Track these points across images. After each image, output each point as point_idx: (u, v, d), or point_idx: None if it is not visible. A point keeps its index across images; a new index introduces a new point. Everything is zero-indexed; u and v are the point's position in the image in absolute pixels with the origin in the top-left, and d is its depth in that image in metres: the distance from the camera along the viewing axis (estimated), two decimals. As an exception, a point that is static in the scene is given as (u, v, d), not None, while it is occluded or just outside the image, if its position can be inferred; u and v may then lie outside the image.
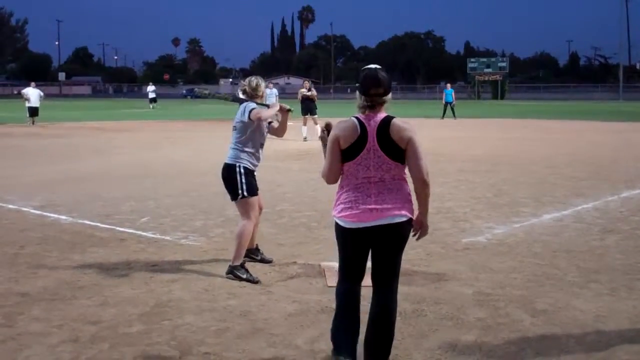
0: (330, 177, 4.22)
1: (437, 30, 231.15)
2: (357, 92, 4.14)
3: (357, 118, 4.10)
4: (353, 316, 4.26)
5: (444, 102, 37.26)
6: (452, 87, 38.31)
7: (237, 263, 6.31)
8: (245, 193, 6.35)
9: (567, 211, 9.58)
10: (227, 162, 6.45)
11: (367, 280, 4.35)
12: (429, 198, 4.17)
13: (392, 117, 4.10)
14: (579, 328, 5.01)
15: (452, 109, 36.19)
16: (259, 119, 6.29)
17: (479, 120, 35.89)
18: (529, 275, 6.40)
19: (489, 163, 15.45)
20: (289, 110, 6.58)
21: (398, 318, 4.63)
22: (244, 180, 6.35)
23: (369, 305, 4.25)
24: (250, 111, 6.27)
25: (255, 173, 6.55)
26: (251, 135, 6.40)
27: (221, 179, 6.52)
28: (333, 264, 6.17)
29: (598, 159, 16.26)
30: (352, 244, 4.20)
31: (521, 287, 6.00)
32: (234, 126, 6.50)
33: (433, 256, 7.09)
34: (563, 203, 10.21)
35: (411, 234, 4.24)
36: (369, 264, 4.30)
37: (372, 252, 4.21)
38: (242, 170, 6.36)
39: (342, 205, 4.15)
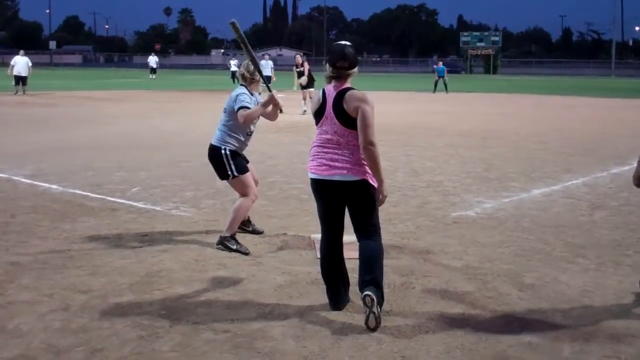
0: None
1: (430, 3, 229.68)
2: (326, 64, 4.67)
3: (323, 89, 4.70)
4: (333, 270, 4.79)
5: (436, 76, 37.15)
6: (443, 65, 38.12)
7: (228, 234, 6.33)
8: (235, 173, 6.35)
9: (556, 186, 9.63)
10: (213, 143, 6.45)
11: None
12: (378, 166, 4.52)
13: (351, 89, 4.59)
14: (565, 302, 5.06)
15: (445, 83, 36.11)
16: (244, 122, 6.26)
17: (471, 94, 35.86)
18: (517, 249, 6.45)
19: (479, 137, 15.48)
20: (280, 111, 6.46)
21: (387, 290, 4.68)
22: (231, 162, 6.34)
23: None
24: (239, 108, 6.21)
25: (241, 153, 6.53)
26: (239, 122, 6.34)
27: (208, 156, 6.52)
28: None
29: (588, 135, 16.32)
30: (319, 194, 4.77)
31: (509, 262, 6.05)
32: (225, 108, 6.45)
33: (422, 229, 7.13)
34: (552, 178, 10.27)
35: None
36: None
37: (347, 209, 4.74)
38: (228, 153, 6.34)
39: (309, 158, 4.77)
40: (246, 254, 6.15)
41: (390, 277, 5.29)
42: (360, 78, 13.59)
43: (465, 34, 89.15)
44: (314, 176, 4.70)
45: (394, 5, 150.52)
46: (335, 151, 4.60)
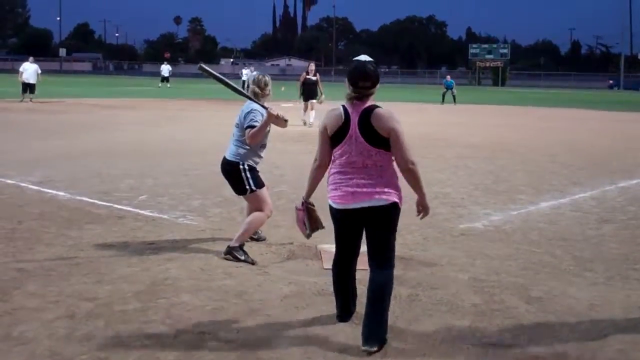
0: (321, 162, 4.54)
1: (439, 15, 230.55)
2: (346, 82, 4.35)
3: (343, 106, 4.37)
4: (343, 287, 4.71)
5: (444, 89, 37.18)
6: (452, 79, 38.11)
7: (237, 244, 6.31)
8: (253, 187, 6.35)
9: (564, 199, 9.59)
10: (229, 158, 6.40)
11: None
12: (421, 183, 4.34)
13: (377, 107, 4.31)
14: (573, 316, 5.03)
15: (453, 95, 36.11)
16: (250, 142, 6.20)
17: (479, 106, 35.83)
18: (525, 262, 6.42)
19: (487, 150, 15.45)
20: (285, 121, 6.33)
21: (393, 301, 4.65)
22: (249, 176, 6.34)
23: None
24: (247, 127, 6.17)
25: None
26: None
27: (221, 170, 6.50)
28: (329, 246, 6.17)
29: (597, 149, 16.26)
30: (339, 223, 4.52)
31: (516, 274, 6.02)
32: (237, 123, 6.40)
33: (430, 241, 7.11)
34: (561, 191, 10.23)
35: (416, 215, 4.49)
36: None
37: (365, 234, 4.48)
38: (246, 167, 6.34)
39: (330, 187, 4.46)
40: (252, 264, 6.14)
41: (397, 288, 5.26)
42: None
43: (474, 46, 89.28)
44: (337, 206, 4.43)
45: (403, 17, 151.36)
46: (361, 175, 4.30)
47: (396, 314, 4.83)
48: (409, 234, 7.32)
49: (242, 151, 6.34)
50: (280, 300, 5.23)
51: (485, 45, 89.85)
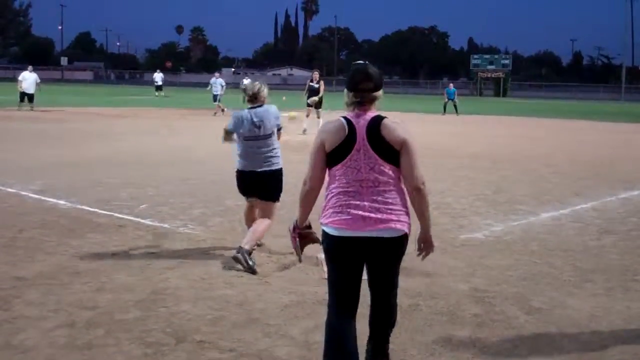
0: (315, 181, 3.80)
1: (441, 25, 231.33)
2: (345, 90, 3.78)
3: (344, 117, 3.72)
4: (343, 353, 3.73)
5: (445, 98, 37.22)
6: (454, 87, 38.25)
7: (249, 248, 6.30)
8: (279, 198, 6.73)
9: (565, 210, 9.59)
10: (275, 168, 6.64)
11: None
12: (429, 207, 3.80)
13: (384, 117, 3.72)
14: (573, 327, 5.02)
15: (455, 106, 36.14)
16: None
17: (481, 117, 35.85)
18: (525, 273, 6.41)
19: (489, 160, 15.46)
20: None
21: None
22: (281, 186, 6.72)
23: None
24: (279, 129, 6.66)
25: None
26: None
27: (257, 178, 6.60)
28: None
29: (598, 159, 16.27)
30: (339, 257, 3.74)
31: (517, 285, 6.02)
32: (270, 132, 6.53)
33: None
34: (561, 202, 10.23)
35: (417, 253, 3.91)
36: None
37: (366, 267, 3.82)
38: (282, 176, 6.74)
39: (331, 210, 3.71)
40: (255, 273, 6.14)
41: (398, 299, 5.26)
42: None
43: (476, 56, 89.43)
44: (342, 233, 3.65)
45: (404, 27, 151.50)
46: (374, 197, 3.64)
47: (397, 324, 4.81)
48: (409, 243, 7.30)
49: (279, 158, 6.66)
50: (280, 309, 5.23)
51: (487, 56, 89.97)
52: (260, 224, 6.58)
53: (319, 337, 4.64)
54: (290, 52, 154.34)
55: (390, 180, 3.67)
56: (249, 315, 5.10)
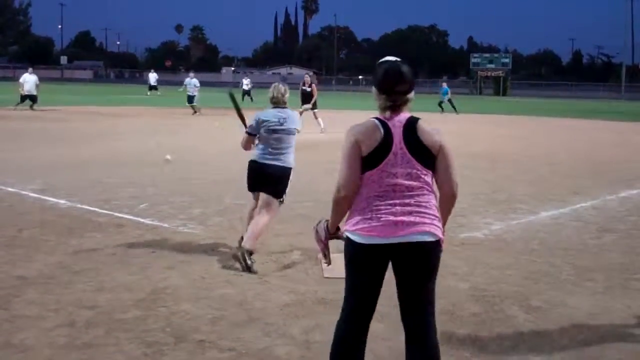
0: (350, 188, 3.45)
1: (441, 24, 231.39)
2: (375, 90, 3.53)
3: (377, 119, 3.49)
4: (351, 353, 3.57)
5: (441, 96, 37.40)
6: (447, 86, 38.58)
7: (249, 247, 6.35)
8: (283, 197, 6.80)
9: (565, 209, 9.59)
10: (287, 165, 6.75)
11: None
12: (448, 216, 3.68)
13: (418, 118, 3.51)
14: (572, 326, 5.03)
15: (452, 104, 36.16)
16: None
17: (480, 115, 35.85)
18: (525, 272, 6.42)
19: (488, 159, 15.46)
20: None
21: (394, 311, 4.64)
22: (287, 185, 6.81)
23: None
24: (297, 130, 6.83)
25: None
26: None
27: (266, 173, 6.68)
28: (331, 255, 6.19)
29: (598, 158, 16.27)
30: (368, 266, 3.47)
31: (516, 284, 6.02)
32: (290, 130, 6.74)
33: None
34: (561, 201, 10.23)
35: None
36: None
37: (398, 282, 3.52)
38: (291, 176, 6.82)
39: (359, 217, 3.44)
40: (254, 273, 6.14)
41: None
42: (369, 98, 13.59)
43: (476, 55, 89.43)
44: (369, 241, 3.39)
45: (404, 26, 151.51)
46: (406, 201, 3.42)
47: (397, 323, 4.81)
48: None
49: (294, 158, 6.84)
50: (280, 308, 5.23)
51: (487, 55, 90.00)
52: (260, 219, 6.56)
53: (319, 336, 4.66)
54: (290, 51, 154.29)
55: (425, 186, 3.47)
56: (248, 314, 5.10)
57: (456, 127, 26.38)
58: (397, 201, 3.40)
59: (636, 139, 22.91)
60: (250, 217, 6.87)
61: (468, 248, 7.26)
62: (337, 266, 5.95)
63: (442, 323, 4.99)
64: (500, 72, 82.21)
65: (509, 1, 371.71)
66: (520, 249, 7.29)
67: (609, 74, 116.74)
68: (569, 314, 5.27)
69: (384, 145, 3.41)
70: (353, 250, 3.46)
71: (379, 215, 3.39)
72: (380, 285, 3.52)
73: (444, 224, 3.59)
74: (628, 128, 28.19)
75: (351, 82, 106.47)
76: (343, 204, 3.51)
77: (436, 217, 3.49)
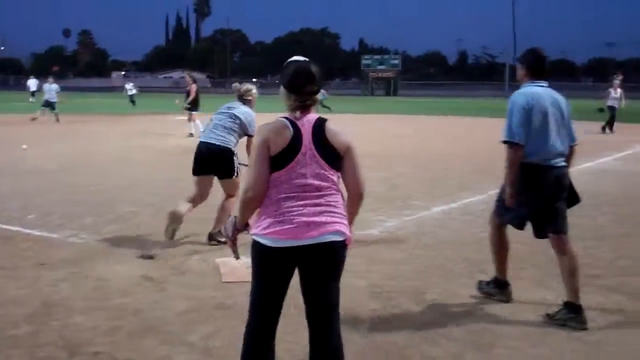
0: (259, 189, 3.40)
1: (332, 26, 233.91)
2: (283, 90, 3.50)
3: (286, 118, 3.47)
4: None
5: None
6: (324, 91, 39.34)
7: (216, 230, 7.23)
8: (237, 172, 7.26)
9: (455, 204, 9.90)
10: (221, 144, 7.25)
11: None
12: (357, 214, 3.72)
13: (325, 119, 3.55)
14: (465, 317, 5.20)
15: (325, 106, 36.60)
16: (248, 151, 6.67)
17: (372, 116, 36.50)
18: (420, 266, 6.59)
19: (381, 158, 15.74)
20: None
21: (293, 312, 4.66)
22: (236, 162, 7.30)
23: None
24: (250, 136, 7.08)
25: None
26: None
27: (206, 154, 7.32)
28: (228, 259, 6.17)
29: (485, 154, 16.85)
30: (278, 269, 3.45)
31: (412, 278, 6.17)
32: (236, 115, 7.35)
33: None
34: (452, 196, 10.55)
35: None
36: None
37: (305, 282, 3.52)
38: (236, 154, 7.32)
39: (270, 220, 3.38)
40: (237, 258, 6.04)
41: (295, 297, 5.29)
42: (265, 100, 13.65)
43: (367, 57, 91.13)
44: (280, 244, 3.37)
45: (297, 29, 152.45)
46: (318, 201, 3.42)
47: (294, 325, 4.84)
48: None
49: (234, 140, 7.29)
50: (178, 316, 5.16)
51: (377, 57, 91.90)
52: (226, 205, 7.36)
53: (219, 342, 4.62)
54: (182, 54, 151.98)
55: (333, 186, 3.49)
56: (145, 323, 5.00)
57: (347, 128, 26.71)
58: (308, 202, 3.39)
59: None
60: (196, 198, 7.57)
61: (364, 245, 7.37)
62: (235, 271, 5.96)
63: (341, 321, 5.05)
64: (391, 73, 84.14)
65: (398, 4, 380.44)
66: (415, 244, 7.47)
67: (493, 73, 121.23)
68: (462, 305, 5.45)
69: (293, 146, 3.39)
70: (264, 254, 3.42)
71: (290, 217, 3.36)
72: (287, 287, 3.52)
73: (351, 223, 3.62)
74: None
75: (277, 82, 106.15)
76: (251, 205, 3.47)
77: (344, 216, 3.53)
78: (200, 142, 7.49)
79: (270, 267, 3.44)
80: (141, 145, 18.05)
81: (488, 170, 13.67)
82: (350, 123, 29.35)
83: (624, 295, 5.77)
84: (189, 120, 21.08)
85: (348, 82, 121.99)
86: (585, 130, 24.46)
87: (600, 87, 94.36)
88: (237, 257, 3.72)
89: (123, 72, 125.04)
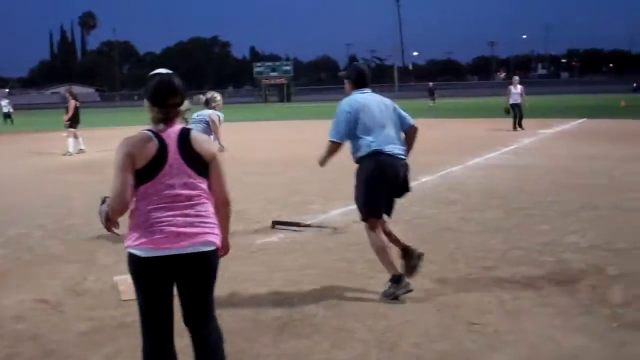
0: (125, 202, 3.43)
1: (223, 35, 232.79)
2: (146, 103, 3.53)
3: (150, 131, 3.50)
4: None
5: None
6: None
7: None
8: None
9: (352, 206, 9.94)
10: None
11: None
12: (229, 222, 3.85)
13: (190, 129, 3.62)
14: (368, 316, 5.28)
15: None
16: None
17: (266, 122, 36.54)
18: (322, 270, 6.64)
19: (278, 164, 15.80)
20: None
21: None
22: None
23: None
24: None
25: None
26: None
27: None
28: (126, 277, 6.01)
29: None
30: (153, 279, 3.48)
31: (315, 282, 6.22)
32: (206, 121, 9.10)
33: (227, 259, 7.05)
34: (349, 199, 10.60)
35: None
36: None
37: (180, 290, 3.59)
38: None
39: (140, 231, 3.43)
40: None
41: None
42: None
43: (259, 64, 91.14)
44: (157, 254, 3.41)
45: (186, 38, 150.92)
46: (188, 211, 3.48)
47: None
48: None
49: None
50: (78, 338, 5.01)
51: (269, 63, 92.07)
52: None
53: (122, 361, 4.51)
54: (69, 68, 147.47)
55: (203, 194, 3.56)
56: (44, 348, 4.83)
57: (240, 135, 26.69)
58: (178, 212, 3.45)
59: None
60: None
61: (265, 253, 7.38)
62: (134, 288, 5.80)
63: (246, 330, 5.04)
64: (283, 79, 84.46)
65: (287, 11, 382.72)
66: (315, 248, 7.53)
67: (382, 75, 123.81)
68: (365, 306, 5.53)
69: (159, 157, 3.43)
70: (138, 266, 3.46)
71: (161, 228, 3.41)
72: (171, 297, 3.56)
73: (225, 230, 3.77)
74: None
75: (136, 98, 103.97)
76: (116, 213, 3.51)
77: (215, 225, 3.61)
78: None
79: (147, 278, 3.48)
80: (25, 164, 17.42)
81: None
82: (246, 130, 29.31)
83: (517, 284, 6.01)
84: (69, 137, 20.11)
85: (241, 89, 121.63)
86: (486, 129, 25.34)
87: (485, 85, 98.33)
88: (120, 233, 3.68)
89: (7, 90, 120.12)
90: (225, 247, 3.85)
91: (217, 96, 9.36)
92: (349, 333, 4.96)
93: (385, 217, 6.08)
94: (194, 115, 9.15)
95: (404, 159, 6.03)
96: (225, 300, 5.70)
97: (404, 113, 6.32)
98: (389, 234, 6.05)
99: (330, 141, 6.28)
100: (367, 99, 6.14)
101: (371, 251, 7.19)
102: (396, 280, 5.72)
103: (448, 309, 5.42)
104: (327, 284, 6.18)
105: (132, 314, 5.26)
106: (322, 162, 6.63)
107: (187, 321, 3.67)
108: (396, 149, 5.96)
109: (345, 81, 6.46)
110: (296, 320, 5.22)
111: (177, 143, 3.49)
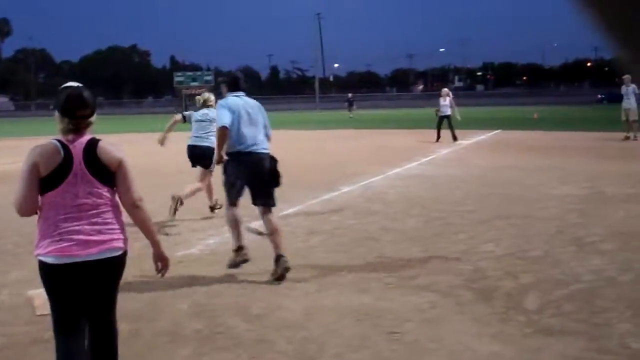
0: (27, 209, 3.63)
1: (142, 44, 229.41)
2: (57, 114, 3.69)
3: (58, 140, 3.65)
4: None
5: None
6: None
7: (183, 196, 9.65)
8: (214, 167, 9.00)
9: (273, 218, 10.00)
10: (210, 145, 9.31)
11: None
12: (152, 223, 4.01)
13: (99, 139, 3.75)
14: (289, 328, 5.29)
15: None
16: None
17: (185, 133, 36.10)
18: (243, 281, 6.62)
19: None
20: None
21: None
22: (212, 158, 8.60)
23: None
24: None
25: None
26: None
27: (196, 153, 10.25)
28: (40, 291, 5.85)
29: (300, 166, 17.21)
30: (63, 285, 3.63)
31: (236, 294, 6.19)
32: (205, 120, 10.14)
33: (148, 273, 6.97)
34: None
35: (155, 273, 4.12)
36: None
37: (87, 294, 3.74)
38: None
39: (48, 240, 3.57)
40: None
41: (118, 325, 5.14)
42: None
43: (179, 74, 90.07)
44: (66, 261, 3.56)
45: (104, 47, 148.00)
46: (95, 219, 3.63)
47: (120, 352, 4.70)
48: (126, 268, 7.16)
49: (214, 140, 8.21)
50: (-11, 356, 4.84)
51: (190, 73, 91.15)
52: (194, 184, 9.87)
53: (36, 378, 4.38)
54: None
55: (108, 202, 3.70)
56: (-48, 368, 4.65)
57: (159, 147, 26.27)
58: (84, 221, 3.61)
59: (330, 145, 24.65)
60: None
61: (186, 265, 7.30)
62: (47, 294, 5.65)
63: (164, 345, 4.98)
64: (204, 89, 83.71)
65: (208, 21, 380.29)
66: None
67: (304, 86, 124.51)
68: (286, 317, 5.54)
69: (64, 167, 3.59)
70: (49, 273, 3.62)
71: (69, 237, 3.57)
72: (82, 299, 3.72)
73: (152, 237, 4.00)
74: (321, 136, 30.23)
75: (52, 107, 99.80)
76: (23, 216, 3.70)
77: (120, 230, 3.77)
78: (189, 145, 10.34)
79: (57, 284, 3.64)
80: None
81: (305, 181, 14.01)
82: (172, 140, 28.91)
83: (437, 293, 6.14)
84: None
85: (161, 99, 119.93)
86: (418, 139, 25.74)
87: (403, 97, 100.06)
88: None
89: None
90: (163, 258, 4.07)
91: (211, 96, 10.67)
92: (269, 345, 4.95)
93: (261, 207, 7.28)
94: (198, 116, 10.23)
95: (264, 152, 7.10)
96: (144, 315, 5.62)
97: (268, 121, 7.41)
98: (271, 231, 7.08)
99: (221, 127, 6.93)
100: (238, 101, 7.04)
101: (292, 261, 7.25)
102: (239, 249, 6.89)
103: (368, 318, 5.48)
104: (249, 295, 6.17)
105: (47, 329, 5.11)
106: (219, 147, 7.09)
107: (90, 321, 3.81)
108: (260, 148, 7.00)
109: (222, 85, 7.37)
110: (217, 333, 5.19)
111: (82, 153, 3.64)
